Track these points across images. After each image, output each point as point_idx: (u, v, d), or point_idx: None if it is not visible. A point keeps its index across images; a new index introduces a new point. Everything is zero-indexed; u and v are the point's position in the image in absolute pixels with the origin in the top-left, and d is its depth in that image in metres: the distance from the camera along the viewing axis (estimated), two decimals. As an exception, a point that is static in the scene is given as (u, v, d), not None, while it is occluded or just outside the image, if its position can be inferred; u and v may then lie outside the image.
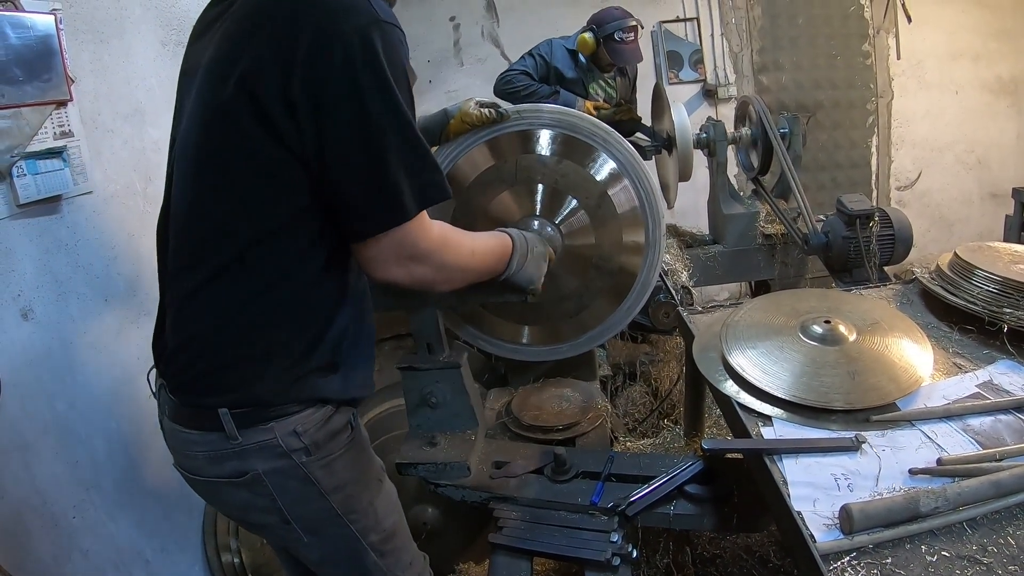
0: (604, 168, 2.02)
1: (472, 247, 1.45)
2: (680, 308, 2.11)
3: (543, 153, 2.02)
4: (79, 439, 1.97)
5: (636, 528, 1.67)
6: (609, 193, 2.03)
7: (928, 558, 1.02)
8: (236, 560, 2.46)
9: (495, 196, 2.04)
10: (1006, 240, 4.27)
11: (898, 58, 5.78)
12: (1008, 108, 5.99)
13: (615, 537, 1.58)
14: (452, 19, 5.33)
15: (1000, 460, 1.20)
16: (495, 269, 1.56)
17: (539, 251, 1.68)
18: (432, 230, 1.28)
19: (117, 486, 2.09)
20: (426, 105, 5.10)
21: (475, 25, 5.35)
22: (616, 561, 1.54)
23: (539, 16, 5.26)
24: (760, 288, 3.83)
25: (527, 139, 2.01)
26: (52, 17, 1.89)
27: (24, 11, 1.82)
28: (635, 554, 1.59)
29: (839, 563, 1.02)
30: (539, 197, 2.03)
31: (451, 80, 5.37)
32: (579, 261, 2.07)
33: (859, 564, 1.02)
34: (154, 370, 1.43)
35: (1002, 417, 1.35)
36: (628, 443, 2.52)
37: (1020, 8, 5.78)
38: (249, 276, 1.24)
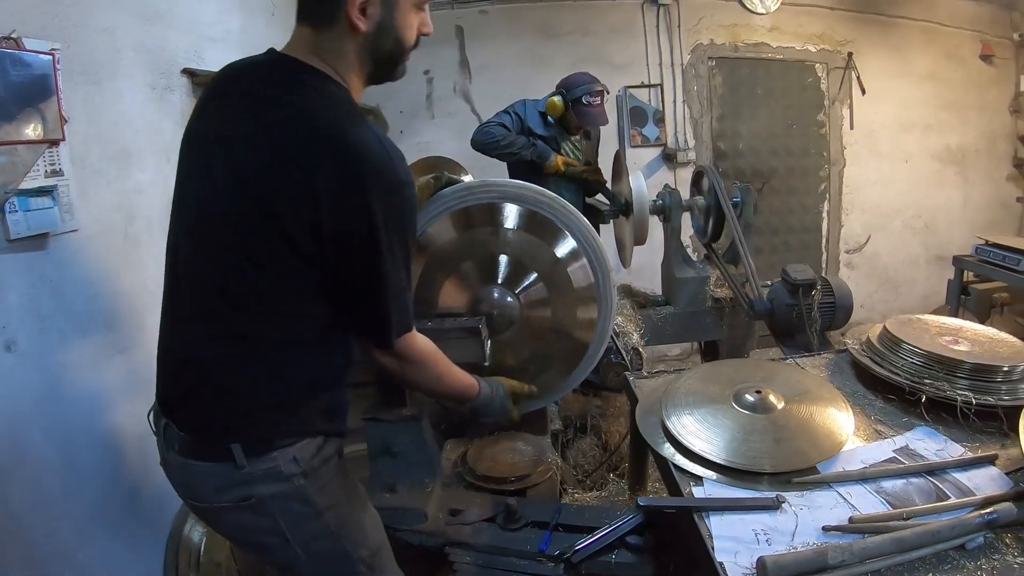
0: (563, 244, 2.15)
1: (445, 368, 1.68)
2: (628, 373, 2.22)
3: (507, 226, 2.14)
4: (53, 469, 2.02)
5: (580, 574, 1.76)
6: (566, 267, 2.16)
7: (834, 604, 1.14)
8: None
9: (461, 263, 2.17)
10: (948, 303, 4.51)
11: (851, 128, 6.08)
12: (955, 176, 6.35)
13: (561, 582, 1.69)
14: (426, 72, 5.48)
15: (907, 519, 1.33)
16: (455, 396, 1.79)
17: (498, 407, 1.90)
18: (421, 342, 1.59)
19: (87, 515, 2.14)
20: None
21: (448, 80, 5.51)
22: (562, 604, 1.64)
23: (509, 75, 5.44)
24: (709, 348, 3.94)
25: (493, 212, 2.15)
26: (50, 57, 1.97)
27: (25, 49, 1.89)
28: (579, 598, 1.70)
29: (754, 607, 1.14)
30: (502, 268, 2.16)
31: (422, 131, 5.51)
32: (537, 328, 2.18)
33: (772, 609, 1.13)
34: (154, 410, 1.54)
35: (914, 480, 1.48)
36: (576, 494, 2.62)
37: (968, 82, 6.16)
38: (271, 343, 1.44)
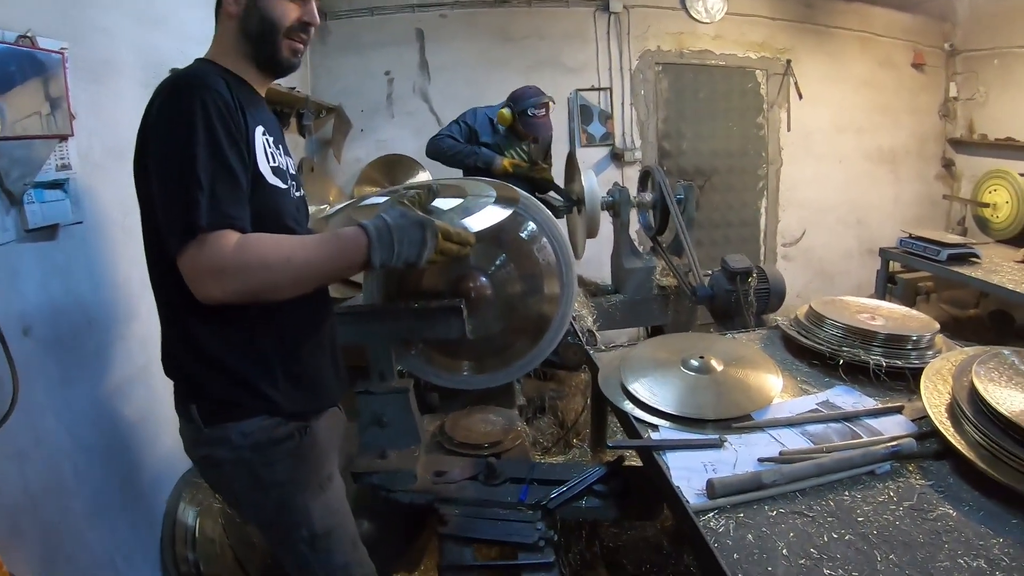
0: (527, 227, 2.37)
1: (289, 253, 1.43)
2: (587, 347, 2.48)
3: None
4: (64, 451, 2.07)
5: (556, 519, 2.02)
6: (532, 248, 2.38)
7: (769, 513, 1.44)
8: (193, 571, 2.57)
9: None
10: (876, 290, 4.89)
11: (789, 130, 6.40)
12: (887, 174, 6.72)
13: (540, 526, 1.94)
14: (387, 73, 5.62)
15: (827, 452, 1.62)
16: (338, 267, 1.51)
17: (408, 224, 1.52)
18: (226, 245, 1.35)
19: (95, 496, 2.20)
20: (356, 152, 5.44)
21: (407, 80, 5.65)
22: (542, 543, 1.90)
23: (466, 76, 5.64)
24: (655, 333, 4.19)
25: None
26: (60, 55, 2.02)
27: (39, 48, 1.94)
28: (556, 537, 1.96)
29: (706, 517, 1.43)
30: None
31: (382, 130, 5.66)
32: (507, 305, 2.40)
33: (720, 517, 1.43)
34: None
35: (833, 425, 1.79)
36: (543, 458, 2.89)
37: (901, 88, 6.55)
38: (174, 313, 1.55)
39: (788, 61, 6.26)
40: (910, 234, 4.64)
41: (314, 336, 1.71)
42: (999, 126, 6.17)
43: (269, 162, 1.55)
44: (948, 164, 6.88)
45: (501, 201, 1.91)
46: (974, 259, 4.33)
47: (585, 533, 2.41)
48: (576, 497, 2.03)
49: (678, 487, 1.54)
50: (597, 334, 3.47)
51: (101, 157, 2.31)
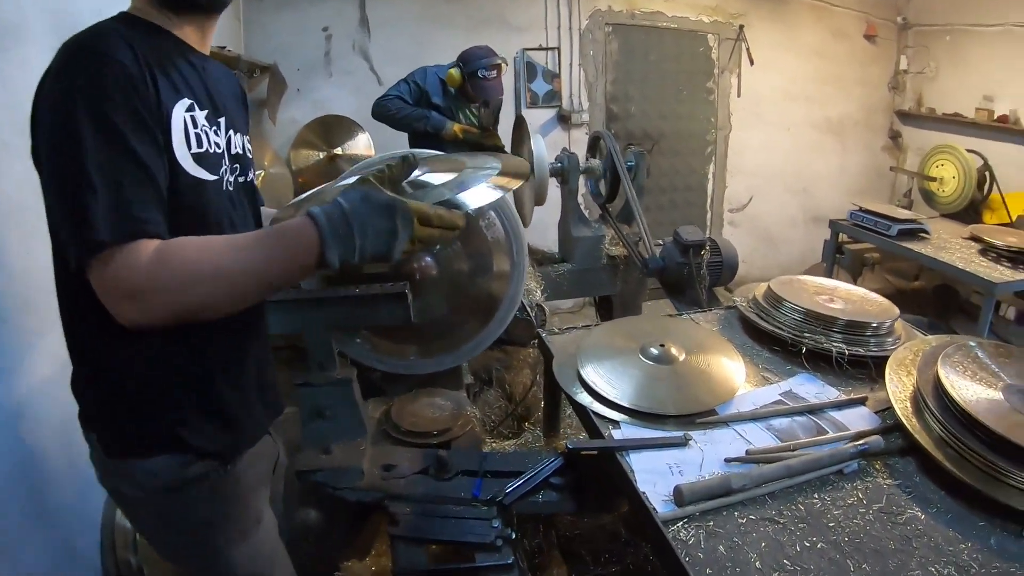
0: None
1: (220, 261, 1.11)
2: (540, 330, 2.37)
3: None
4: None
5: (512, 514, 1.93)
6: (480, 224, 2.28)
7: (739, 520, 1.38)
8: (136, 575, 2.41)
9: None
10: (823, 260, 4.93)
11: (739, 96, 6.41)
12: (834, 144, 6.81)
13: (496, 523, 1.85)
14: (325, 29, 5.37)
15: (794, 450, 1.57)
16: (285, 271, 1.15)
17: (371, 209, 1.14)
18: (139, 259, 1.06)
19: (26, 509, 2.02)
20: (292, 112, 5.22)
21: (347, 38, 5.43)
22: (499, 542, 1.81)
23: (410, 33, 5.45)
24: (603, 302, 4.16)
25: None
26: None
27: None
28: (514, 535, 1.87)
29: (675, 527, 1.37)
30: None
31: (319, 89, 5.44)
32: (454, 286, 2.30)
33: (690, 526, 1.37)
34: None
35: (797, 418, 1.74)
36: (494, 444, 2.80)
37: (852, 59, 6.60)
38: (72, 326, 1.31)
39: (741, 26, 6.22)
40: (860, 207, 4.67)
41: (236, 365, 1.44)
42: (947, 101, 6.26)
43: (192, 147, 1.23)
44: (895, 136, 6.96)
45: (507, 174, 1.59)
46: (923, 235, 4.39)
47: (541, 524, 2.33)
48: (532, 491, 1.94)
49: (644, 493, 1.46)
50: (546, 306, 3.39)
51: (8, 135, 2.05)
